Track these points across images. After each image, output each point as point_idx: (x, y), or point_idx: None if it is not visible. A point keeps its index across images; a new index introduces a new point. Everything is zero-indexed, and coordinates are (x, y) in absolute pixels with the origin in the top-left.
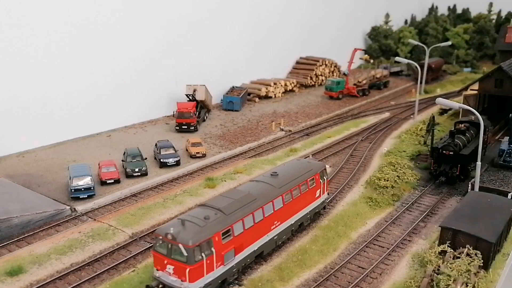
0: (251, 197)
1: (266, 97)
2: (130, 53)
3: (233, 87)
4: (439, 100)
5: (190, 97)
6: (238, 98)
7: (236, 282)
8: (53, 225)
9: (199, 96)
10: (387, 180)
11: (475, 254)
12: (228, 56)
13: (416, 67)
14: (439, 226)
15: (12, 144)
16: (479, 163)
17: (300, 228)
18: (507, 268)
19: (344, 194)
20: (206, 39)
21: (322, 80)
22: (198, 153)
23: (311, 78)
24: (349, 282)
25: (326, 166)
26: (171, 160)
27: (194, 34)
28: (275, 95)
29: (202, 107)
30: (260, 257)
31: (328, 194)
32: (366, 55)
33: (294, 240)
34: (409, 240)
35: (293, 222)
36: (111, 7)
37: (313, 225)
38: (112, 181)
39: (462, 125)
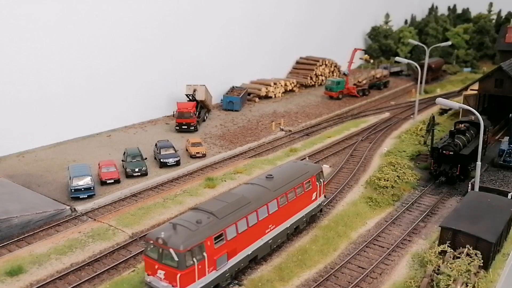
0: (245, 201)
1: (266, 97)
2: (130, 53)
3: (233, 87)
4: (439, 100)
5: (190, 97)
6: (238, 98)
7: (236, 282)
8: (53, 225)
9: (199, 96)
10: (387, 180)
11: (475, 254)
12: (228, 56)
13: (416, 67)
14: (439, 226)
15: (12, 144)
16: (479, 163)
17: (296, 231)
18: (507, 268)
19: (344, 194)
20: (206, 39)
21: (322, 80)
22: (198, 153)
23: (311, 78)
24: (349, 282)
25: (326, 166)
26: (171, 160)
27: (194, 34)
28: (275, 95)
29: (202, 107)
30: (254, 261)
31: (325, 196)
32: (366, 55)
33: (294, 240)
34: (409, 240)
35: (288, 226)
36: (111, 7)
37: (313, 225)
38: (112, 181)
39: (462, 125)
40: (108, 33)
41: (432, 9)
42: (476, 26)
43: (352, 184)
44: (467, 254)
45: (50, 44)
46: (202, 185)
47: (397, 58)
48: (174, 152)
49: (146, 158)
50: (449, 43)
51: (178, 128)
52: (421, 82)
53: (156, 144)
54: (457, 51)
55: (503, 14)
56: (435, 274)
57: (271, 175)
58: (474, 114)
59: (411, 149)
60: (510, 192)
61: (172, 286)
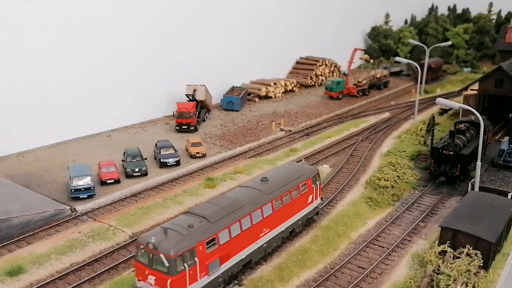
0: (239, 204)
1: (266, 97)
2: (130, 53)
3: (233, 87)
4: (439, 100)
5: (190, 97)
6: (238, 98)
7: (236, 282)
8: (53, 225)
9: (199, 96)
10: (387, 180)
11: (475, 254)
12: (228, 56)
13: (416, 67)
14: (439, 226)
15: (12, 144)
16: (479, 163)
17: (291, 234)
18: (507, 268)
19: (344, 194)
20: (206, 39)
21: (322, 80)
22: (198, 153)
23: (311, 78)
24: (349, 282)
25: (326, 166)
26: (171, 160)
27: (194, 34)
28: (275, 95)
29: (202, 107)
30: (248, 265)
31: (321, 199)
32: (366, 55)
33: (294, 240)
34: (409, 240)
35: (283, 229)
36: (111, 7)
37: (313, 225)
38: (112, 181)
39: (462, 125)
40: (108, 33)
41: (432, 9)
42: (476, 26)
43: (352, 184)
44: (467, 254)
45: (50, 44)
46: (202, 185)
47: (397, 58)
48: (174, 152)
49: (146, 158)
50: (449, 43)
51: (178, 128)
52: (421, 82)
53: (156, 144)
54: (457, 51)
55: (503, 14)
56: (435, 274)
57: (266, 177)
58: (474, 114)
59: (411, 149)
60: (510, 192)
61: None
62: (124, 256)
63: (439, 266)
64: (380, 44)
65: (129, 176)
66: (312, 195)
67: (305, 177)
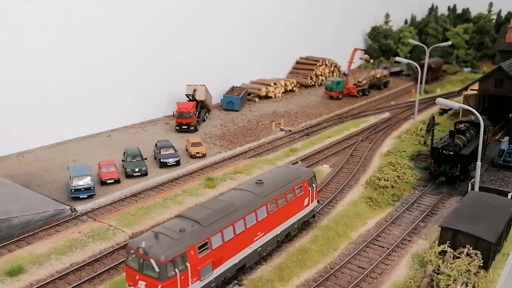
0: (232, 207)
1: (266, 97)
2: (130, 53)
3: (233, 87)
4: (439, 100)
5: (190, 97)
6: (238, 98)
7: (236, 282)
8: (53, 225)
9: (199, 96)
10: (387, 180)
11: (475, 254)
12: (228, 56)
13: (416, 67)
14: (439, 226)
15: (12, 144)
16: (479, 163)
17: (287, 238)
18: (507, 268)
19: (344, 194)
20: (206, 39)
21: (322, 80)
22: (198, 153)
23: (311, 78)
24: (349, 282)
25: (326, 166)
26: (171, 160)
27: (194, 34)
28: (275, 95)
29: (202, 107)
30: (242, 270)
31: (318, 202)
32: (366, 55)
33: (294, 240)
34: (409, 240)
35: (278, 233)
36: (111, 7)
37: (313, 225)
38: (112, 181)
39: (462, 125)
40: (108, 33)
41: (432, 9)
42: (476, 26)
43: (352, 184)
44: (467, 254)
45: (50, 44)
46: (202, 185)
47: (397, 58)
48: (174, 152)
49: (146, 158)
50: (449, 43)
51: (178, 128)
52: (421, 82)
53: (156, 144)
54: (457, 51)
55: (503, 14)
56: (435, 274)
57: (261, 180)
58: (474, 114)
59: (411, 149)
60: (510, 192)
61: None
62: (124, 256)
63: (439, 266)
64: (380, 44)
65: (129, 176)
66: (308, 198)
67: (301, 179)
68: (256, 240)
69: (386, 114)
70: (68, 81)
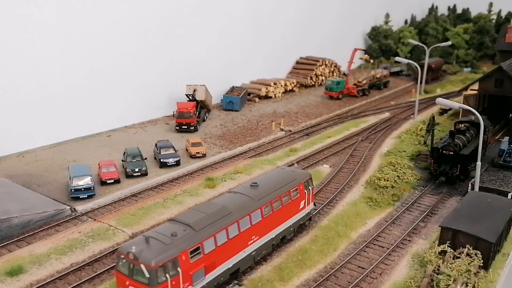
0: (226, 211)
1: (266, 97)
2: (130, 53)
3: (233, 87)
4: (439, 100)
5: (190, 97)
6: (238, 98)
7: (236, 282)
8: (53, 225)
9: (199, 96)
10: (387, 180)
11: (475, 254)
12: (228, 56)
13: (416, 67)
14: (439, 226)
15: (12, 144)
16: (479, 163)
17: (282, 241)
18: (507, 268)
19: (344, 194)
20: (206, 39)
21: (322, 80)
22: (198, 153)
23: (311, 78)
24: (349, 282)
25: (326, 166)
26: (171, 160)
27: (194, 34)
28: (275, 95)
29: (202, 107)
30: (235, 274)
31: (314, 204)
32: (366, 55)
33: (294, 240)
34: (409, 240)
35: (273, 236)
36: (111, 7)
37: (313, 225)
38: (112, 181)
39: (462, 125)
40: (108, 33)
41: (432, 9)
42: (476, 26)
43: (352, 184)
44: (467, 254)
45: (50, 44)
46: (202, 185)
47: (397, 58)
48: (174, 152)
49: (146, 158)
50: (449, 43)
51: (178, 128)
52: (421, 82)
53: (156, 144)
54: (457, 51)
55: (503, 14)
56: (435, 274)
57: (256, 183)
58: (474, 114)
59: (411, 149)
60: (510, 192)
61: None
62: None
63: (439, 266)
64: (380, 44)
65: (129, 176)
66: (304, 201)
67: (296, 182)
68: (251, 244)
69: (386, 114)
70: (68, 81)
